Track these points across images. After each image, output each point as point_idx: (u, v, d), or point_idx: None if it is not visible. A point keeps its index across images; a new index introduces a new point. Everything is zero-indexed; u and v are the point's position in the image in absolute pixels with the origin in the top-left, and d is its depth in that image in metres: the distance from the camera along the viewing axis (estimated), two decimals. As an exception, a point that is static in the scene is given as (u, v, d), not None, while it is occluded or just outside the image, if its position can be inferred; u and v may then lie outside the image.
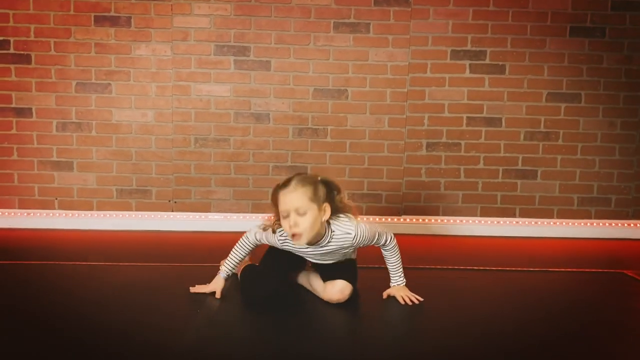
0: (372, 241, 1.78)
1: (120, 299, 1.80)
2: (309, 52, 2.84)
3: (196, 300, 1.79)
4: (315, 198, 1.67)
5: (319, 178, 1.74)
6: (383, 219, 2.92)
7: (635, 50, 2.90)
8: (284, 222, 1.68)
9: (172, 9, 2.80)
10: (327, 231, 1.72)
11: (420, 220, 2.96)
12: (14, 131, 2.84)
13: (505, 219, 2.97)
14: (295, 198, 1.65)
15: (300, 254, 1.82)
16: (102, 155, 2.86)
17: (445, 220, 2.96)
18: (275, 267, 1.84)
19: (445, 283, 2.09)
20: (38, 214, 2.87)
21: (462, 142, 2.93)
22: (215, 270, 1.88)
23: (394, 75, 2.88)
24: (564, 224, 2.95)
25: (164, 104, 2.85)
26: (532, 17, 2.86)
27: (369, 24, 2.84)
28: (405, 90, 2.89)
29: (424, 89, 2.89)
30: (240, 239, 1.86)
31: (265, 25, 2.81)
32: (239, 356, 1.42)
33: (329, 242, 1.74)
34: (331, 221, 1.73)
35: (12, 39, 2.79)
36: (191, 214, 2.90)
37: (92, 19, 2.79)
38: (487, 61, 2.88)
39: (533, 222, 2.95)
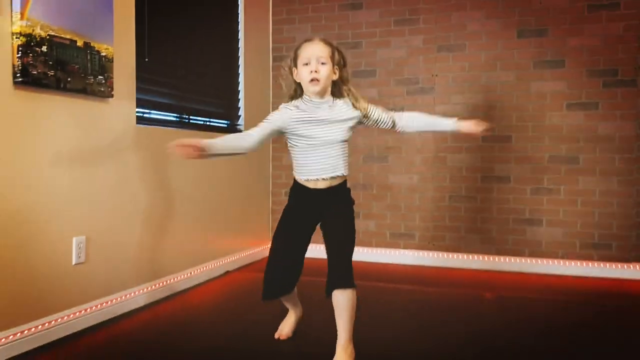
0: (375, 114, 2.02)
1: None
2: (544, 128, 3.53)
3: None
4: (332, 57, 1.95)
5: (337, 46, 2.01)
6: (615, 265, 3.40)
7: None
8: (304, 69, 1.93)
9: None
10: (332, 96, 1.99)
11: None
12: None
13: None
14: (319, 49, 1.93)
15: (309, 124, 1.95)
16: (380, 208, 3.91)
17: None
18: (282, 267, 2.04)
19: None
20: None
21: (692, 201, 3.28)
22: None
23: (621, 144, 3.39)
24: None
25: (425, 170, 3.81)
26: None
27: (598, 102, 3.43)
28: (632, 156, 3.37)
29: (651, 155, 3.35)
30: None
31: (509, 107, 3.61)
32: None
33: (332, 106, 1.97)
34: (335, 97, 2.00)
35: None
36: (445, 254, 3.76)
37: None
38: None
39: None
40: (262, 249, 3.99)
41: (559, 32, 3.49)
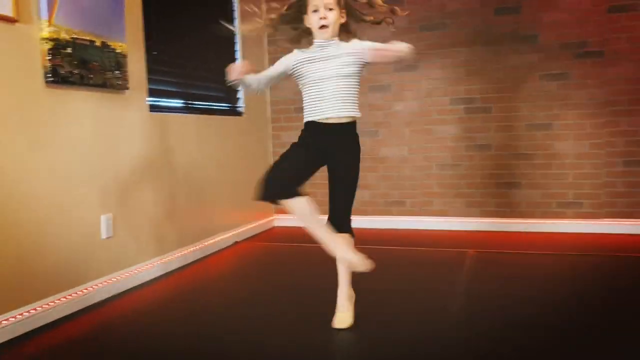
0: (377, 46, 2.02)
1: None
2: (524, 96, 3.82)
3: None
4: (338, 2, 2.04)
5: None
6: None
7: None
8: (314, 16, 2.03)
9: (419, 76, 4.05)
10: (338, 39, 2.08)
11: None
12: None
13: None
14: None
15: (314, 62, 2.06)
16: (374, 179, 4.22)
17: None
18: (288, 170, 2.05)
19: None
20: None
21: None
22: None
23: (591, 110, 3.70)
24: None
25: (413, 142, 4.11)
26: None
27: (569, 73, 3.72)
28: (603, 120, 3.68)
29: (617, 119, 3.65)
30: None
31: (488, 80, 3.89)
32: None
33: (338, 45, 2.06)
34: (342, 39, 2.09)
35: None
36: (434, 218, 4.09)
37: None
38: (676, 93, 3.55)
39: None
40: (267, 221, 4.32)
41: (533, 9, 3.76)
